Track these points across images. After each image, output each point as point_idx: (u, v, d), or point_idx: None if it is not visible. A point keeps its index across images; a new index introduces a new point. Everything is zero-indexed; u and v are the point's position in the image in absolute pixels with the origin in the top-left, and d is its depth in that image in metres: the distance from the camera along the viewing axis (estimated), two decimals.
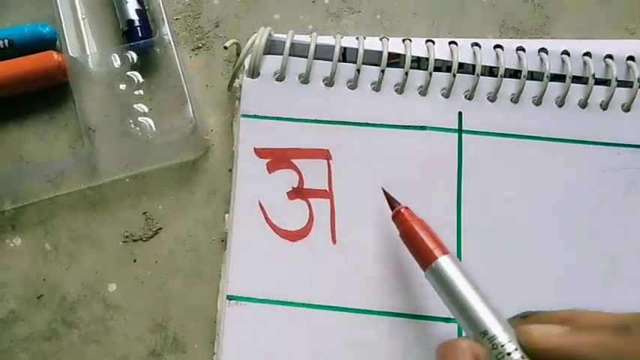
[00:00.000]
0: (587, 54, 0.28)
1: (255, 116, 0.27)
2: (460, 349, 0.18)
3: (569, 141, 0.27)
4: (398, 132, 0.27)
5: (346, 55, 0.27)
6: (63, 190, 0.27)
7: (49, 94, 0.28)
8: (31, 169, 0.27)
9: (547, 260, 0.26)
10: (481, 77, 0.27)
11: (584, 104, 0.27)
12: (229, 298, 0.25)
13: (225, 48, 0.27)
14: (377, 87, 0.27)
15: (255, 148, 0.26)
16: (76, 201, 0.27)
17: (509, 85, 0.27)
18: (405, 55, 0.27)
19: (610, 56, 0.28)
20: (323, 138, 0.26)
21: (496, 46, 0.28)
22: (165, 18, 0.28)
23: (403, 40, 0.27)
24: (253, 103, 0.27)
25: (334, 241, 0.26)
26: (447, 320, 0.25)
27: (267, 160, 0.26)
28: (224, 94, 0.28)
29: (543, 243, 0.26)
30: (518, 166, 0.26)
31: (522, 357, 0.18)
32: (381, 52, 0.27)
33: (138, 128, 0.27)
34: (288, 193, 0.26)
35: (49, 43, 0.28)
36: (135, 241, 0.27)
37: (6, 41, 0.27)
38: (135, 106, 0.27)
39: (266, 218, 0.26)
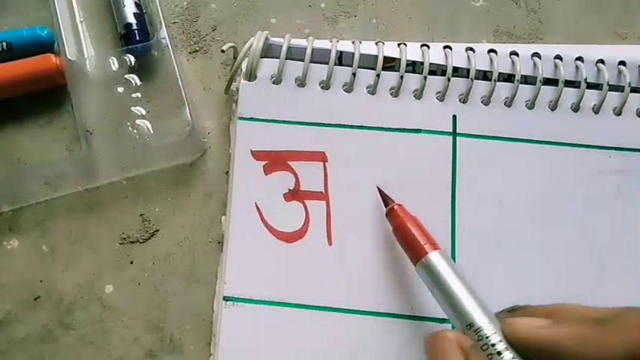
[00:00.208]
0: (580, 59, 0.28)
1: (251, 119, 0.27)
2: (447, 340, 0.19)
3: (561, 144, 0.27)
4: (393, 135, 0.27)
5: (342, 58, 0.28)
6: (60, 192, 0.27)
7: (46, 96, 0.28)
8: (29, 171, 0.27)
9: (539, 262, 0.26)
10: (475, 81, 0.27)
11: (576, 108, 0.27)
12: (226, 299, 0.25)
13: (223, 51, 0.27)
14: (372, 90, 0.27)
15: (251, 151, 0.27)
16: (73, 203, 0.27)
17: (503, 89, 0.27)
18: (400, 59, 0.27)
19: (602, 61, 0.28)
20: (319, 140, 0.27)
21: (490, 51, 0.28)
22: (162, 21, 0.28)
23: (398, 45, 0.28)
24: (250, 106, 0.27)
25: (330, 243, 0.26)
26: (441, 321, 0.25)
27: (264, 163, 0.27)
28: (221, 97, 0.29)
29: (536, 245, 0.26)
30: (512, 169, 0.27)
31: (506, 348, 0.19)
32: (376, 56, 0.27)
33: (135, 131, 0.27)
34: (284, 195, 0.26)
35: (47, 45, 0.28)
36: (132, 243, 0.27)
37: (4, 44, 0.27)
38: (132, 108, 0.27)
39: (262, 220, 0.26)
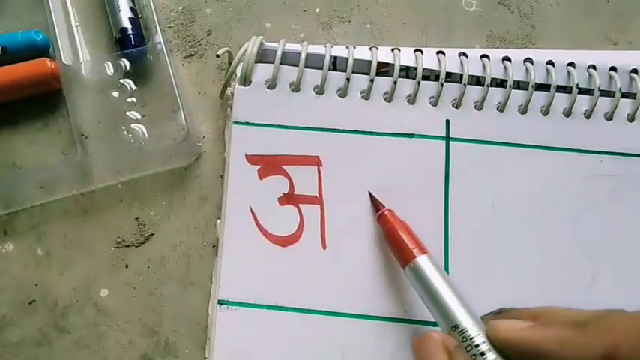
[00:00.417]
0: (571, 64, 0.28)
1: (246, 123, 0.27)
2: (432, 340, 0.20)
3: (553, 149, 0.27)
4: (387, 139, 0.27)
5: (336, 63, 0.28)
6: (55, 196, 0.27)
7: (42, 100, 0.28)
8: (24, 175, 0.27)
9: (532, 264, 0.26)
10: (468, 86, 0.27)
11: (568, 113, 0.28)
12: (220, 302, 0.25)
13: (218, 56, 0.27)
14: (366, 95, 0.27)
15: (246, 155, 0.27)
16: (68, 207, 0.27)
17: (496, 94, 0.28)
18: (394, 64, 0.27)
19: (593, 66, 0.28)
20: (313, 145, 0.27)
21: (483, 56, 0.28)
22: (158, 26, 0.28)
23: (392, 50, 0.28)
24: (245, 111, 0.27)
25: (324, 247, 0.26)
26: (434, 324, 0.25)
27: (259, 167, 0.27)
28: (216, 102, 0.29)
29: (528, 248, 0.27)
30: (505, 173, 0.27)
31: (490, 349, 0.19)
32: (370, 62, 0.27)
33: (130, 135, 0.27)
34: (278, 199, 0.27)
35: (43, 50, 0.28)
36: (127, 246, 0.27)
37: None
38: (127, 113, 0.27)
39: (257, 224, 0.26)
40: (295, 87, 0.27)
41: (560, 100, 0.28)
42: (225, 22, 0.30)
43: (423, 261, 0.23)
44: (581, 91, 0.28)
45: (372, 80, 0.27)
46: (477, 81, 0.28)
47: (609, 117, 0.28)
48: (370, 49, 0.28)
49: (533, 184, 0.27)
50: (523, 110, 0.28)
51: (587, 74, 0.28)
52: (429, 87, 0.28)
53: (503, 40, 0.30)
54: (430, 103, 0.28)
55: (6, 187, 0.27)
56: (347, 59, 0.27)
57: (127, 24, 0.28)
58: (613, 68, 0.28)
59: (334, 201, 0.27)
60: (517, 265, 0.26)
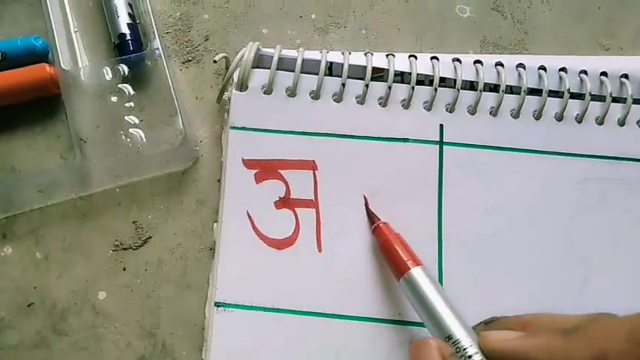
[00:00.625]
0: (563, 69, 0.29)
1: (243, 128, 0.27)
2: (429, 347, 0.20)
3: (545, 152, 0.28)
4: (381, 144, 0.28)
5: (332, 69, 0.28)
6: (54, 200, 0.27)
7: (41, 105, 0.28)
8: (23, 179, 0.28)
9: (525, 267, 0.27)
10: (462, 91, 0.28)
11: (560, 117, 0.28)
12: (217, 304, 0.26)
13: (215, 62, 0.28)
14: (361, 100, 0.28)
15: (243, 159, 0.27)
16: (66, 210, 0.27)
17: (489, 99, 0.28)
18: (388, 70, 0.28)
19: (584, 72, 0.29)
20: (309, 149, 0.27)
21: (476, 62, 0.29)
22: (156, 32, 0.28)
23: (387, 55, 0.28)
24: (242, 116, 0.27)
25: (320, 250, 0.26)
26: None
27: (255, 171, 0.27)
28: (213, 106, 0.29)
29: (521, 251, 0.27)
30: (497, 177, 0.27)
31: (482, 359, 0.20)
32: (365, 67, 0.28)
33: (129, 139, 0.27)
34: (275, 202, 0.27)
35: (42, 55, 0.28)
36: (125, 249, 0.27)
37: None
38: (126, 117, 0.28)
39: (254, 227, 0.27)
40: (291, 92, 0.28)
41: (552, 104, 0.28)
42: (223, 28, 0.31)
43: (417, 273, 0.23)
44: (573, 95, 0.28)
45: (367, 85, 0.28)
46: (471, 86, 0.28)
47: (600, 121, 0.28)
48: (365, 54, 0.28)
49: (526, 188, 0.28)
50: (516, 115, 0.28)
51: (578, 79, 0.29)
52: (423, 92, 0.28)
53: (497, 45, 0.31)
54: (424, 107, 0.28)
55: (5, 190, 0.27)
56: (342, 65, 0.28)
57: (125, 30, 0.28)
58: (604, 73, 0.29)
59: (330, 204, 0.27)
60: (510, 268, 0.27)
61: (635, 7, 0.32)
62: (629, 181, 0.28)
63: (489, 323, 0.21)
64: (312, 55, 0.28)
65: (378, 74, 0.28)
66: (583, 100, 0.28)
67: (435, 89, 0.28)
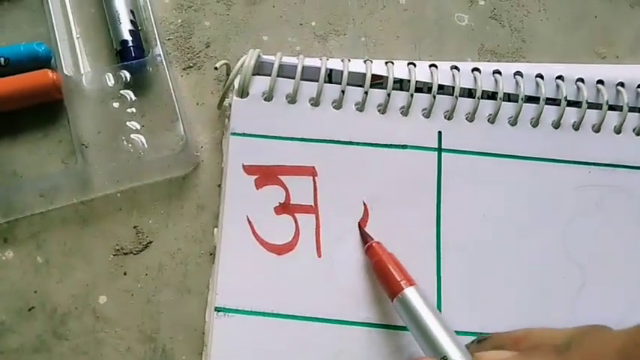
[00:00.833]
0: (560, 77, 0.29)
1: (244, 134, 0.28)
2: None
3: (543, 159, 0.28)
4: (380, 150, 0.28)
5: (332, 76, 0.28)
6: (55, 205, 0.27)
7: (43, 110, 0.28)
8: (25, 183, 0.28)
9: (522, 275, 0.27)
10: (460, 98, 0.28)
11: (557, 125, 0.29)
12: (217, 309, 0.26)
13: (216, 68, 0.28)
14: (361, 107, 0.28)
15: (243, 165, 0.27)
16: (67, 215, 0.28)
17: (487, 106, 0.28)
18: (387, 77, 0.28)
19: (581, 80, 0.29)
20: (309, 155, 0.28)
21: (474, 69, 0.29)
22: (157, 38, 0.29)
23: (386, 63, 0.29)
24: (242, 122, 0.28)
25: (319, 255, 0.27)
26: None
27: (255, 177, 0.27)
28: (214, 112, 0.29)
29: (519, 257, 0.27)
30: (495, 184, 0.28)
31: None
32: (365, 74, 0.28)
33: (130, 145, 0.28)
34: (275, 208, 0.27)
35: (44, 61, 0.28)
36: (125, 254, 0.27)
37: (2, 59, 0.28)
38: (127, 123, 0.28)
39: (254, 232, 0.27)
40: (291, 99, 0.28)
41: (550, 112, 0.29)
42: (224, 35, 0.31)
43: (410, 293, 0.23)
44: (570, 103, 0.29)
45: (366, 92, 0.28)
46: (469, 93, 0.29)
47: (597, 129, 0.29)
48: (365, 62, 0.29)
49: (523, 194, 0.28)
50: (513, 122, 0.28)
51: (575, 87, 0.29)
52: (422, 99, 0.28)
53: (495, 53, 0.31)
54: (423, 115, 0.28)
55: (6, 195, 0.27)
56: (342, 72, 0.28)
57: (127, 36, 0.29)
58: (600, 81, 0.29)
59: (329, 210, 0.27)
60: (508, 274, 0.27)
61: (631, 17, 0.32)
62: (625, 188, 0.28)
63: (482, 341, 0.22)
64: (312, 62, 0.28)
65: (378, 81, 0.28)
66: (580, 107, 0.29)
67: (434, 96, 0.28)
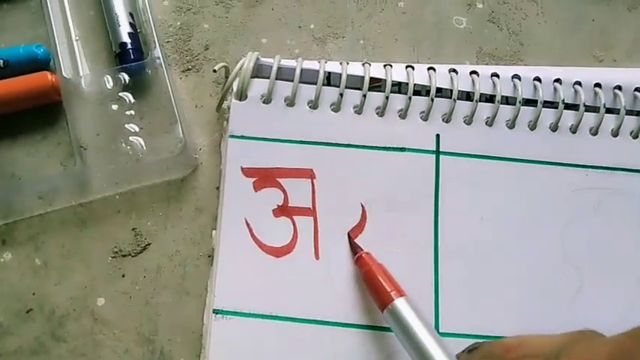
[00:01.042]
0: (558, 80, 0.29)
1: (242, 137, 0.28)
2: None
3: (540, 162, 0.28)
4: (379, 153, 0.28)
5: (330, 79, 0.29)
6: (54, 207, 0.28)
7: (42, 113, 0.28)
8: (23, 185, 0.28)
9: (520, 277, 0.27)
10: (458, 101, 0.28)
11: (554, 128, 0.29)
12: (215, 311, 0.26)
13: (215, 71, 0.28)
14: (359, 110, 0.28)
15: (242, 167, 0.27)
16: (66, 217, 0.28)
17: (485, 109, 0.28)
18: (385, 80, 0.28)
19: (579, 83, 0.29)
20: (307, 158, 0.28)
21: (472, 72, 0.29)
22: (156, 41, 0.29)
23: (384, 66, 0.29)
24: (241, 125, 0.28)
25: (317, 257, 0.27)
26: None
27: (254, 179, 0.27)
28: (213, 114, 0.29)
29: (516, 260, 0.27)
30: (493, 186, 0.28)
31: None
32: (363, 77, 0.28)
33: (129, 147, 0.28)
34: (273, 210, 0.27)
35: (44, 63, 0.28)
36: (124, 256, 0.27)
37: (1, 61, 0.28)
38: (126, 125, 0.28)
39: (252, 235, 0.27)
40: (290, 102, 0.28)
41: (547, 115, 0.29)
42: (222, 38, 0.31)
43: (400, 304, 0.23)
44: (567, 106, 0.29)
45: (364, 95, 0.28)
46: (467, 96, 0.29)
47: (594, 132, 0.29)
48: (363, 64, 0.29)
49: (521, 197, 0.28)
50: (511, 125, 0.29)
51: (573, 90, 0.29)
52: (420, 102, 0.28)
53: (493, 56, 0.31)
54: (421, 117, 0.28)
55: (5, 197, 0.27)
56: (340, 75, 0.28)
57: (126, 39, 0.29)
58: (598, 85, 0.29)
59: (327, 213, 0.27)
60: (505, 277, 0.27)
61: (629, 20, 0.33)
62: (622, 191, 0.28)
63: (472, 351, 0.22)
64: (311, 65, 0.28)
65: (376, 84, 0.28)
66: (577, 110, 0.29)
67: (432, 99, 0.28)
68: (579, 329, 0.20)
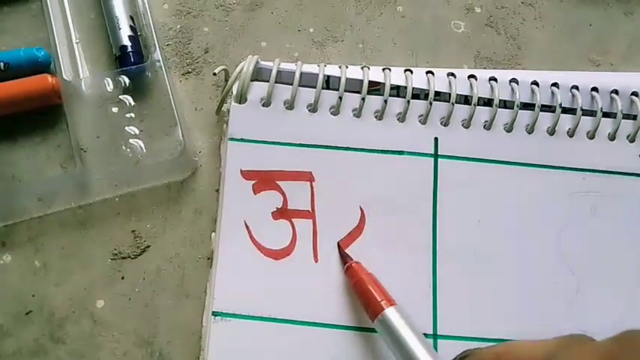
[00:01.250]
0: (555, 84, 0.29)
1: (242, 140, 0.28)
2: None
3: (538, 166, 0.28)
4: (377, 156, 0.28)
5: (329, 82, 0.29)
6: (54, 209, 0.28)
7: (42, 115, 0.29)
8: (23, 187, 0.28)
9: (517, 278, 0.27)
10: (456, 105, 0.28)
11: (552, 131, 0.29)
12: (214, 314, 0.26)
13: (215, 74, 0.28)
14: (358, 113, 0.28)
15: (241, 170, 0.28)
16: (66, 219, 0.28)
17: (483, 113, 0.29)
18: (384, 84, 0.28)
19: (576, 87, 0.29)
20: (306, 161, 0.28)
21: (470, 76, 0.29)
22: (157, 44, 0.29)
23: (383, 69, 0.29)
24: (240, 128, 0.28)
25: (316, 260, 0.27)
26: None
27: (253, 182, 0.28)
28: (212, 117, 0.30)
29: (514, 263, 0.27)
30: (491, 190, 0.28)
31: None
32: (362, 81, 0.28)
33: (128, 149, 0.28)
34: (272, 213, 0.27)
35: (44, 66, 0.28)
36: (123, 258, 0.27)
37: (2, 64, 0.28)
38: (126, 128, 0.28)
39: (251, 237, 0.27)
40: (289, 105, 0.28)
41: (545, 119, 0.29)
42: (222, 41, 0.31)
43: (391, 313, 0.23)
44: (565, 110, 0.29)
45: (363, 99, 0.28)
46: (465, 100, 0.29)
47: (591, 136, 0.29)
48: (362, 68, 0.29)
49: (519, 200, 0.28)
50: (509, 129, 0.29)
51: (570, 94, 0.29)
52: (419, 106, 0.28)
53: (490, 60, 0.31)
54: (419, 121, 0.29)
55: (5, 199, 0.27)
56: (339, 78, 0.28)
57: (126, 42, 0.29)
58: (595, 89, 0.29)
59: (326, 215, 0.27)
60: (503, 279, 0.27)
61: (625, 25, 0.33)
62: (619, 194, 0.28)
63: (464, 358, 0.22)
64: (310, 68, 0.29)
65: (375, 88, 0.29)
66: (574, 114, 0.29)
67: (430, 103, 0.28)
68: (570, 333, 0.20)
